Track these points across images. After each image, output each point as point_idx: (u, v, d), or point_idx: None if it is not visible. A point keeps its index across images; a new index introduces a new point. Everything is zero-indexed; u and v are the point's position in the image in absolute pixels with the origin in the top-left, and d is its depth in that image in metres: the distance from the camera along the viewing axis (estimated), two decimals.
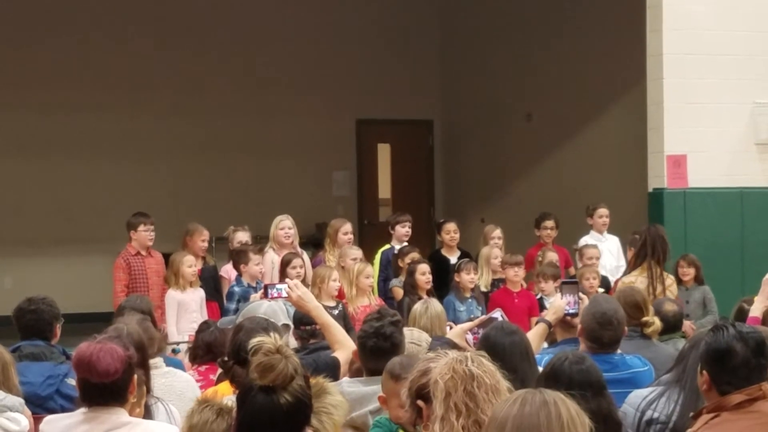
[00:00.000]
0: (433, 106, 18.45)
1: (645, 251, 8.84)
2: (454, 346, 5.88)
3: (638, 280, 8.55)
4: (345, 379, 5.29)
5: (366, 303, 9.78)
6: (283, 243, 10.63)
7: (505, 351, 5.05)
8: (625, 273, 9.33)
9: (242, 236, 10.99)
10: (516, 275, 10.48)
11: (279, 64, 17.27)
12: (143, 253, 10.55)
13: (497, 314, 6.38)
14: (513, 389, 3.67)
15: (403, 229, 11.31)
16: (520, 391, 3.07)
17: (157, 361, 5.46)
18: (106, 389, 4.11)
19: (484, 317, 6.35)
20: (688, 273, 10.52)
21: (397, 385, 4.53)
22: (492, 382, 3.64)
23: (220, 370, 5.70)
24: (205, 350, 6.96)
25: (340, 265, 10.20)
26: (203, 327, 7.22)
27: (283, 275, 9.66)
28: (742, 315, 6.83)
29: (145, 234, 10.56)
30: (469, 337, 6.28)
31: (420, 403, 3.87)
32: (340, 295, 9.70)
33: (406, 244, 11.18)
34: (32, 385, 5.86)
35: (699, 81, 12.05)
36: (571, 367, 4.47)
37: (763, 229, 12.14)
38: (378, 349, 5.08)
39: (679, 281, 10.42)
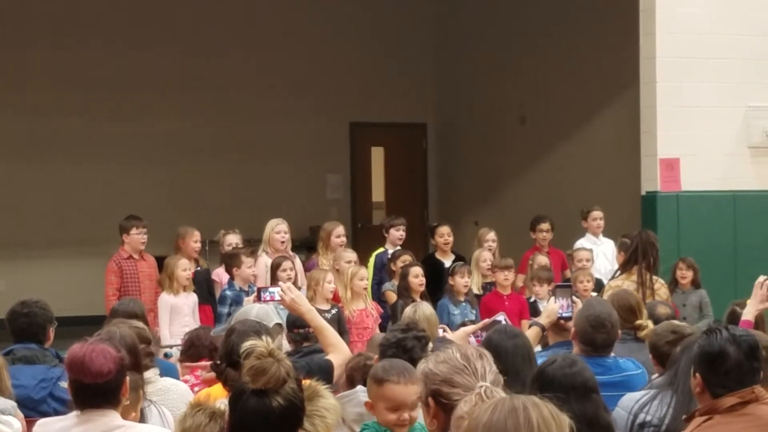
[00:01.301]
0: (426, 109, 18.45)
1: (635, 257, 8.86)
2: None
3: (624, 284, 8.56)
4: (361, 388, 5.29)
5: (362, 306, 9.76)
6: (278, 247, 10.61)
7: (507, 354, 5.05)
8: (613, 277, 9.36)
9: (233, 239, 10.97)
10: (506, 279, 10.48)
11: (273, 67, 17.26)
12: (135, 256, 10.54)
13: (501, 317, 6.37)
14: None
15: (398, 233, 11.30)
16: (495, 399, 3.05)
17: (150, 376, 5.43)
18: (99, 390, 4.11)
19: (487, 320, 6.35)
20: (687, 276, 10.54)
21: (381, 389, 4.52)
22: None
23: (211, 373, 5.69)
24: (187, 346, 6.98)
25: (334, 269, 10.19)
26: (195, 334, 7.24)
27: (273, 278, 9.65)
28: (734, 318, 6.85)
29: (137, 237, 10.55)
30: (472, 339, 6.28)
31: (431, 401, 3.84)
32: (336, 299, 9.68)
33: (399, 247, 11.18)
34: (25, 388, 5.86)
35: (692, 84, 12.06)
36: (555, 370, 4.46)
37: (755, 233, 12.15)
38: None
39: (677, 284, 10.44)
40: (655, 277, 8.94)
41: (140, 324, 5.73)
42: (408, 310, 7.41)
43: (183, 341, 7.27)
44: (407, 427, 4.49)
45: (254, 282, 10.06)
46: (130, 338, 5.12)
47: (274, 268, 9.92)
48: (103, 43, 16.31)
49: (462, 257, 11.39)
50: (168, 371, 6.43)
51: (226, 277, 10.27)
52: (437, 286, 10.57)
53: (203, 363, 6.77)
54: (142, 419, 4.65)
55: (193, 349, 7.02)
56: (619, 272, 9.17)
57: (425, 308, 7.43)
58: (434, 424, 3.82)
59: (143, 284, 10.43)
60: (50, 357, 6.15)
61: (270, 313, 6.05)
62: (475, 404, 3.51)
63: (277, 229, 10.68)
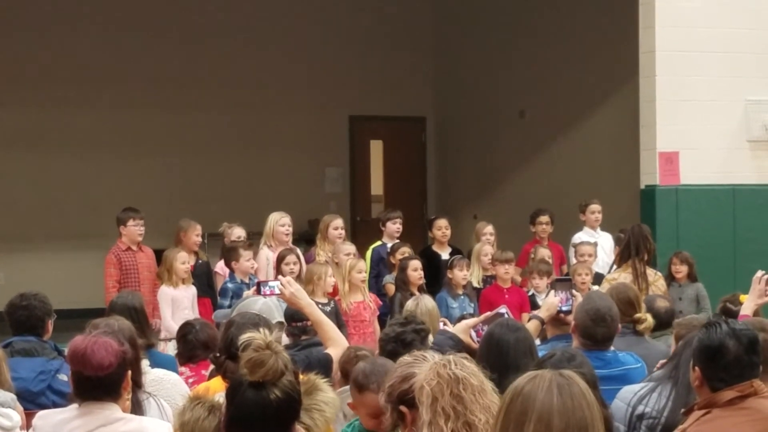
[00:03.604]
0: (425, 103, 18.45)
1: (628, 251, 8.88)
2: (459, 341, 5.89)
3: (621, 276, 8.58)
4: None
5: (360, 299, 9.75)
6: (282, 240, 10.62)
7: (509, 347, 5.05)
8: (609, 271, 9.37)
9: (239, 231, 10.99)
10: (506, 272, 10.49)
11: (272, 60, 17.25)
12: (134, 248, 10.54)
13: (503, 310, 6.37)
14: (497, 388, 3.68)
15: (394, 226, 11.29)
16: (543, 375, 2.99)
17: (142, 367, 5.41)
18: (99, 383, 4.11)
19: (489, 313, 6.34)
20: (681, 270, 10.52)
21: (362, 396, 4.48)
22: (477, 382, 3.65)
23: (212, 366, 5.69)
24: (203, 348, 6.93)
25: (333, 261, 10.18)
26: (188, 329, 7.16)
27: (278, 272, 9.66)
28: (726, 314, 6.84)
29: (134, 229, 10.55)
30: (473, 333, 6.28)
31: (403, 408, 3.86)
32: (334, 292, 9.68)
33: (397, 240, 11.18)
34: (24, 381, 5.86)
35: (691, 78, 12.06)
36: (554, 364, 4.45)
37: (754, 227, 12.16)
38: (395, 354, 4.99)
39: (673, 278, 10.44)
40: (651, 270, 8.95)
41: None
42: (410, 304, 7.40)
43: (188, 345, 7.18)
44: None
45: (255, 274, 10.07)
46: (128, 331, 5.12)
47: (279, 261, 9.93)
48: (102, 37, 16.30)
49: (459, 250, 11.39)
50: (167, 364, 6.44)
51: (228, 270, 10.27)
52: (434, 278, 10.57)
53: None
54: (140, 411, 4.64)
55: (208, 351, 6.95)
56: (615, 266, 9.19)
57: (427, 302, 7.40)
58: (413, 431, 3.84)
59: (142, 276, 10.43)
60: (49, 350, 6.15)
61: (273, 310, 6.04)
62: (431, 369, 3.59)
63: (281, 222, 10.69)
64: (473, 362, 3.70)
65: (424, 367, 3.77)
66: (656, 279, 8.89)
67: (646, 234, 9.01)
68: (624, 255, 8.95)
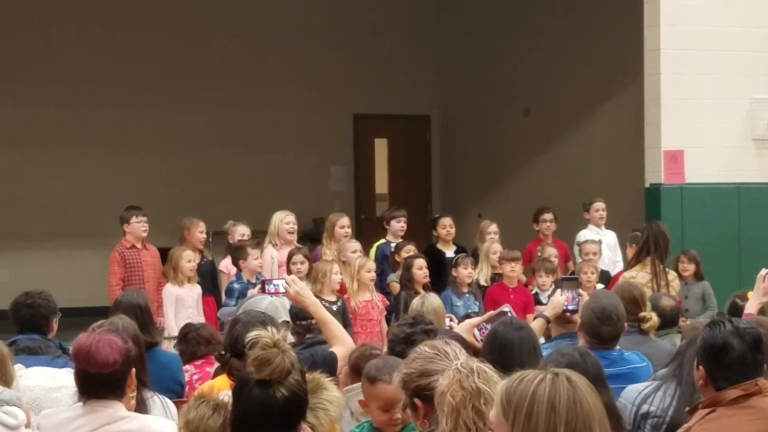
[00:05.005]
0: (430, 101, 18.44)
1: (647, 248, 8.84)
2: (462, 340, 5.87)
3: (639, 275, 8.56)
4: None
5: (368, 298, 9.73)
6: (287, 238, 10.62)
7: (513, 346, 5.04)
8: (626, 269, 9.34)
9: (243, 230, 10.99)
10: (512, 271, 10.47)
11: (276, 58, 17.25)
12: (138, 246, 10.54)
13: (506, 309, 6.36)
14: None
15: (398, 224, 11.29)
16: (561, 401, 3.00)
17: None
18: (104, 381, 4.11)
19: (492, 312, 6.33)
20: (688, 269, 10.52)
21: (374, 387, 4.48)
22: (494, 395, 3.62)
23: (216, 364, 5.69)
24: (205, 344, 6.95)
25: (340, 260, 10.17)
26: (189, 328, 7.20)
27: (288, 271, 9.65)
28: (735, 310, 6.83)
29: (137, 226, 10.54)
30: (476, 332, 6.27)
31: (417, 401, 3.85)
32: (342, 290, 9.67)
33: (401, 239, 11.17)
34: None
35: (696, 76, 12.05)
36: (565, 365, 4.44)
37: (759, 225, 12.15)
38: (403, 356, 5.00)
39: (679, 276, 10.44)
40: (668, 270, 8.92)
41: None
42: (416, 302, 7.38)
43: (192, 343, 7.20)
44: (399, 426, 4.47)
45: (261, 273, 10.06)
46: (132, 329, 5.12)
47: (288, 260, 9.92)
48: (104, 35, 16.30)
49: (463, 249, 11.39)
50: (171, 362, 6.45)
51: (234, 268, 10.26)
52: (438, 277, 10.56)
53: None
54: (144, 409, 4.65)
55: (211, 346, 6.98)
56: (633, 263, 9.14)
57: (433, 300, 7.39)
58: (425, 425, 3.83)
59: (146, 274, 10.43)
60: (53, 348, 6.15)
61: (279, 309, 6.03)
62: (454, 378, 3.54)
63: (286, 221, 10.69)
64: (493, 369, 3.64)
65: (444, 364, 3.75)
66: (672, 279, 8.86)
67: (663, 231, 8.99)
68: (642, 252, 8.91)
